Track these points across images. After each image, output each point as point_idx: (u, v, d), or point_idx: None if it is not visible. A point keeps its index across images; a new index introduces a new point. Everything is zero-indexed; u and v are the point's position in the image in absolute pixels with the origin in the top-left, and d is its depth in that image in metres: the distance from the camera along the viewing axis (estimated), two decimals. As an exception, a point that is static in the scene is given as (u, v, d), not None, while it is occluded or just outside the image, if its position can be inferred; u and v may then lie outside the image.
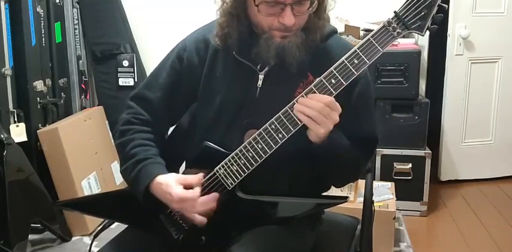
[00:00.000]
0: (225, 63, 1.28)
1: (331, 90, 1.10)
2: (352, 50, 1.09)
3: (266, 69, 1.24)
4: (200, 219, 1.21)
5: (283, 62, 1.20)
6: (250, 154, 1.17)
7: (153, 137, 1.31)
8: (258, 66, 1.25)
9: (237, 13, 1.20)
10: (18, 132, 2.45)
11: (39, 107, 2.65)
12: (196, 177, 1.21)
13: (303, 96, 1.12)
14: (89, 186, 2.66)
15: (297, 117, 1.12)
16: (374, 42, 1.07)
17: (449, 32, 3.09)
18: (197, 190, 1.18)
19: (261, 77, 1.24)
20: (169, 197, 1.18)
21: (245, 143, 1.18)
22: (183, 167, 1.39)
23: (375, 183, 2.57)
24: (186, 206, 1.19)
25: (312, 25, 1.21)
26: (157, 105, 1.32)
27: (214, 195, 1.21)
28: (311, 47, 1.21)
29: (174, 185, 1.18)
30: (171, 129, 1.43)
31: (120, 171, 1.31)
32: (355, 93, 1.24)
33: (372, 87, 1.31)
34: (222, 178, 1.22)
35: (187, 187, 1.19)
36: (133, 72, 3.16)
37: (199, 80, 1.30)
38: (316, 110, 1.10)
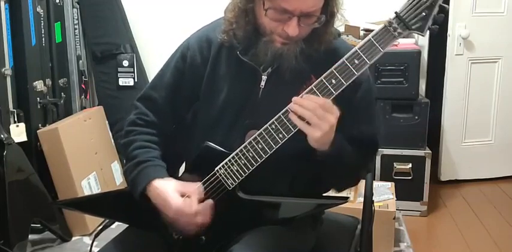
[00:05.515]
0: (228, 63, 1.27)
1: (332, 90, 1.10)
2: (353, 50, 1.09)
3: (269, 70, 1.24)
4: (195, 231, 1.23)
5: (281, 66, 1.20)
6: (250, 154, 1.17)
7: (156, 139, 1.32)
8: (261, 67, 1.24)
9: (246, 9, 1.20)
10: (18, 132, 2.45)
11: (39, 107, 2.65)
12: (196, 191, 1.21)
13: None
14: (89, 186, 2.66)
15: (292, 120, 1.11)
16: (375, 42, 1.07)
17: (449, 32, 3.08)
18: (195, 206, 1.19)
19: (264, 77, 1.24)
20: (166, 204, 1.20)
21: (245, 142, 1.18)
22: (183, 168, 1.39)
23: (375, 183, 2.56)
24: (181, 219, 1.21)
25: (317, 38, 1.21)
26: (161, 104, 1.32)
27: (208, 204, 1.21)
28: (312, 54, 1.21)
29: (172, 193, 1.20)
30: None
31: (123, 172, 1.33)
32: (357, 97, 1.23)
33: (374, 92, 1.29)
34: (223, 178, 1.21)
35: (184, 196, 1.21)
36: (133, 72, 3.16)
37: (201, 79, 1.30)
38: (310, 109, 1.09)
